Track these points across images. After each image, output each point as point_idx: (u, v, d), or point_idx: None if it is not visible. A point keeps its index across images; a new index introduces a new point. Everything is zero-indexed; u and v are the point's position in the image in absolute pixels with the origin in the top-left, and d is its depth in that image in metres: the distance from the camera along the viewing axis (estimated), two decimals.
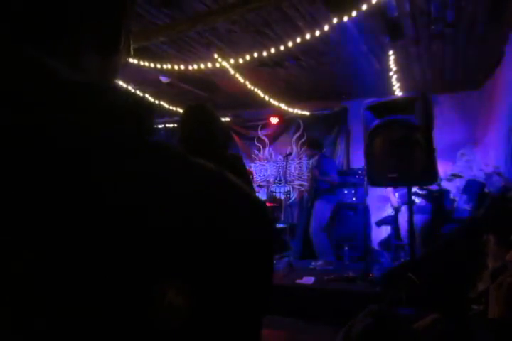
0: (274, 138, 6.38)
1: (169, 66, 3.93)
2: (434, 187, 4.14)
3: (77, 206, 0.26)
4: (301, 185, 6.11)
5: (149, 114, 0.33)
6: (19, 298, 0.24)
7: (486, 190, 3.79)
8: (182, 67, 3.92)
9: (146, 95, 4.97)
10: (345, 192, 5.05)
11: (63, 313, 0.24)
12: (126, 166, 0.28)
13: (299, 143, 6.18)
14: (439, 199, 4.23)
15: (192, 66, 3.90)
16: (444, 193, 4.29)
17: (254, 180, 6.02)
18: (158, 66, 3.91)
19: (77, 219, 0.25)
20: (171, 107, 5.64)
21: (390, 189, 4.45)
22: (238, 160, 1.81)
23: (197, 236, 0.28)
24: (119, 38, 0.38)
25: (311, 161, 5.94)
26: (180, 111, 5.80)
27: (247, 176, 1.84)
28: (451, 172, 4.53)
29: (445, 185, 4.49)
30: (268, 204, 5.57)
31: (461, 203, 3.97)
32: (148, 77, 4.43)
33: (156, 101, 5.28)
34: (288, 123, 6.18)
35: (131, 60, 3.79)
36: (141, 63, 3.82)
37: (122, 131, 0.30)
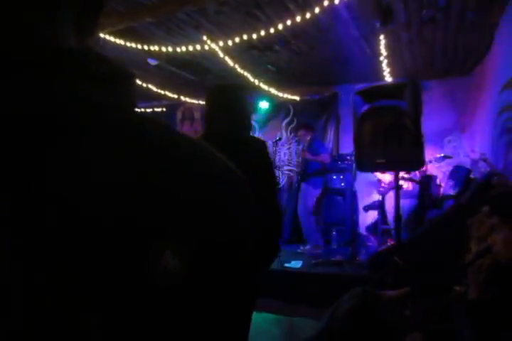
0: (263, 124, 6.34)
1: (157, 48, 3.84)
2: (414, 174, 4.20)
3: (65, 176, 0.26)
4: (290, 171, 6.12)
5: (131, 83, 0.33)
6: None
7: (471, 175, 3.85)
8: (170, 49, 3.84)
9: None
10: (334, 177, 5.08)
11: (63, 278, 0.24)
12: (108, 137, 0.28)
13: (289, 129, 6.16)
14: (425, 185, 4.30)
15: (180, 48, 3.81)
16: (430, 178, 4.35)
17: None
18: (146, 48, 3.82)
19: (63, 192, 0.25)
20: (159, 90, 5.54)
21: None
22: (262, 144, 1.76)
23: (188, 201, 0.29)
24: (97, 19, 0.37)
25: (300, 146, 5.95)
26: (169, 94, 5.71)
27: (270, 161, 1.78)
28: (441, 154, 4.58)
29: (432, 170, 4.54)
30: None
31: (447, 188, 4.03)
32: (135, 59, 4.33)
33: (144, 85, 5.17)
34: (278, 108, 6.14)
35: (117, 41, 3.69)
36: (128, 44, 3.72)
37: (105, 98, 0.30)
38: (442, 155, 4.57)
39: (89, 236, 0.25)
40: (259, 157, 1.66)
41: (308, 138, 4.76)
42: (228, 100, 1.70)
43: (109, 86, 0.30)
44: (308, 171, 4.61)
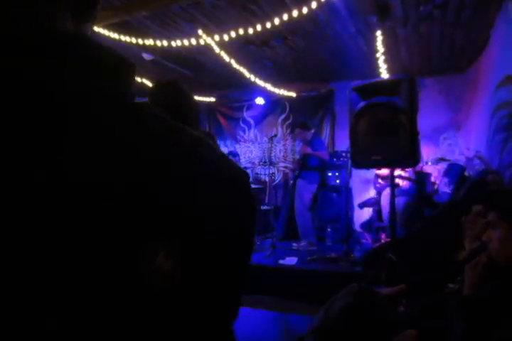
0: (259, 120, 6.32)
1: (152, 42, 3.79)
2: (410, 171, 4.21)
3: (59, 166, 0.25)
4: (285, 167, 6.12)
5: (131, 73, 0.33)
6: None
7: (466, 173, 3.86)
8: (165, 43, 3.80)
9: None
10: (329, 174, 5.07)
11: (55, 280, 0.24)
12: (107, 126, 0.27)
13: (285, 125, 6.15)
14: (420, 182, 4.30)
15: (175, 42, 3.77)
16: (425, 176, 4.36)
17: (239, 161, 5.98)
18: (141, 42, 3.77)
19: (59, 180, 0.24)
20: None
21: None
22: (210, 138, 1.77)
23: (181, 197, 0.28)
24: (95, 6, 0.38)
25: (296, 143, 5.93)
26: None
27: None
28: (438, 156, 4.59)
29: (426, 167, 4.55)
30: (252, 186, 5.58)
31: (442, 186, 4.04)
32: (130, 53, 4.28)
33: (139, 80, 5.12)
34: (274, 104, 6.12)
35: (111, 35, 3.64)
36: (123, 38, 3.68)
37: (112, 87, 0.30)
38: (439, 157, 4.58)
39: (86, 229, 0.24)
40: None
41: (306, 137, 4.69)
42: (175, 94, 1.71)
43: (114, 75, 0.30)
44: (308, 164, 4.58)
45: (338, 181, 5.09)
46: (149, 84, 5.39)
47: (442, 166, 4.35)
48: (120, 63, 0.31)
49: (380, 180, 4.56)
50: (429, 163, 4.52)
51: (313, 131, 4.73)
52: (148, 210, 0.26)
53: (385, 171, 4.42)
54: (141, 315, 0.25)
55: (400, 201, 3.90)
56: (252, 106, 6.22)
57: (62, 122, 0.26)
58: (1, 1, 0.29)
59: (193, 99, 1.80)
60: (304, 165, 4.61)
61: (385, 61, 4.23)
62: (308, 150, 4.55)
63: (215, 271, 0.30)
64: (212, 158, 0.32)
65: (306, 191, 4.54)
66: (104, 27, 3.54)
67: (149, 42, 3.79)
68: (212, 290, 0.30)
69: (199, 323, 0.29)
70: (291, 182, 4.92)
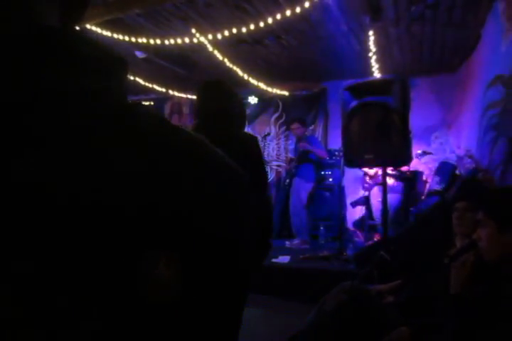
0: (252, 118, 6.32)
1: (145, 40, 3.77)
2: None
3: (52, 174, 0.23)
4: (278, 166, 6.13)
5: (124, 69, 0.31)
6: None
7: (457, 171, 3.90)
8: (158, 41, 3.78)
9: None
10: (322, 173, 5.10)
11: (52, 291, 0.23)
12: (100, 130, 0.26)
13: (278, 124, 6.16)
14: (411, 181, 4.34)
15: (169, 41, 3.76)
16: (416, 175, 4.40)
17: None
18: (133, 40, 3.75)
19: (52, 191, 0.23)
20: (146, 84, 5.47)
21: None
22: (252, 140, 1.74)
23: (180, 206, 0.27)
24: (84, 5, 0.36)
25: (289, 141, 5.95)
26: (157, 88, 5.64)
27: (258, 156, 1.76)
28: (421, 150, 4.63)
29: (418, 166, 4.59)
30: None
31: (433, 184, 4.08)
32: (122, 51, 4.26)
33: (131, 78, 5.10)
34: (267, 103, 6.13)
35: (104, 33, 3.62)
36: (115, 36, 3.65)
37: (97, 84, 0.28)
38: (421, 151, 4.62)
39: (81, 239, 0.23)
40: (250, 154, 1.64)
41: (301, 133, 4.69)
42: (221, 96, 1.69)
43: (101, 71, 0.28)
44: (306, 162, 4.58)
45: (331, 180, 5.12)
46: (142, 82, 5.36)
47: (434, 164, 4.39)
48: (110, 60, 0.30)
49: (367, 179, 4.59)
50: (414, 158, 4.54)
51: (311, 128, 4.76)
52: (147, 220, 0.25)
53: (372, 170, 4.45)
54: (137, 327, 0.25)
55: (390, 199, 3.93)
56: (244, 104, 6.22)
57: (43, 121, 0.24)
58: None
59: (239, 100, 1.77)
60: (302, 162, 4.60)
61: (377, 60, 4.26)
62: (306, 146, 4.54)
63: (216, 282, 0.28)
64: (212, 163, 0.31)
65: (302, 189, 4.55)
66: (97, 25, 3.52)
67: (142, 40, 3.77)
68: (214, 301, 0.29)
69: (199, 334, 0.28)
70: (287, 180, 4.92)
